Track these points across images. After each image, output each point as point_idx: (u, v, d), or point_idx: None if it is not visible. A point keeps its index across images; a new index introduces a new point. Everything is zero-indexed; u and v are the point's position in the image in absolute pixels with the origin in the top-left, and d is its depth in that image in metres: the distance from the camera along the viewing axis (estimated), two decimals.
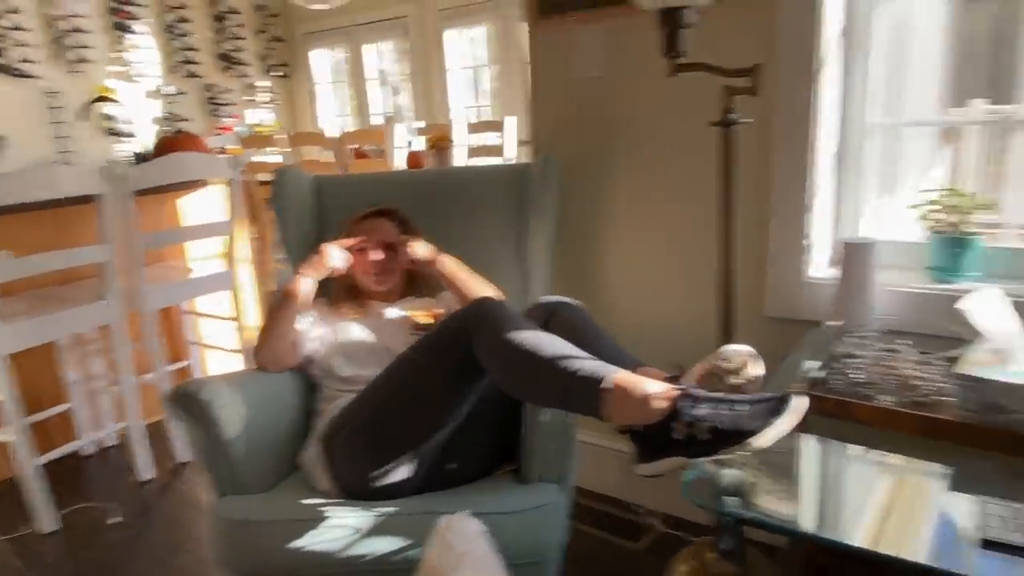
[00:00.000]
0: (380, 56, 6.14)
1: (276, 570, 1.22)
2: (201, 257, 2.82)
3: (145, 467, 2.31)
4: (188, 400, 1.34)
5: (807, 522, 0.99)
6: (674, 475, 1.05)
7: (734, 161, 1.32)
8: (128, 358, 2.25)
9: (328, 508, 1.27)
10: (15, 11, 4.20)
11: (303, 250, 1.67)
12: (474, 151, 4.75)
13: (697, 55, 1.30)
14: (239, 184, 2.52)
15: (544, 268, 1.71)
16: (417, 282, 1.67)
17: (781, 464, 1.09)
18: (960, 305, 1.10)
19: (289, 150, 3.42)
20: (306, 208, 1.79)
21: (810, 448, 1.12)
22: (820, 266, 1.58)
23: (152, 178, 2.27)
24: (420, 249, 1.56)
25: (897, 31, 2.45)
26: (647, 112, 1.71)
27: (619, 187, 1.80)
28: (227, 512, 1.29)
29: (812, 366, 1.27)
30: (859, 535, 0.90)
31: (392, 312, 1.60)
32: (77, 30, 4.51)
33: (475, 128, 5.07)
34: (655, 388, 1.05)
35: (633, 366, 1.25)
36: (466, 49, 6.00)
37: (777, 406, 0.98)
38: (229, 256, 2.52)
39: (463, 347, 1.23)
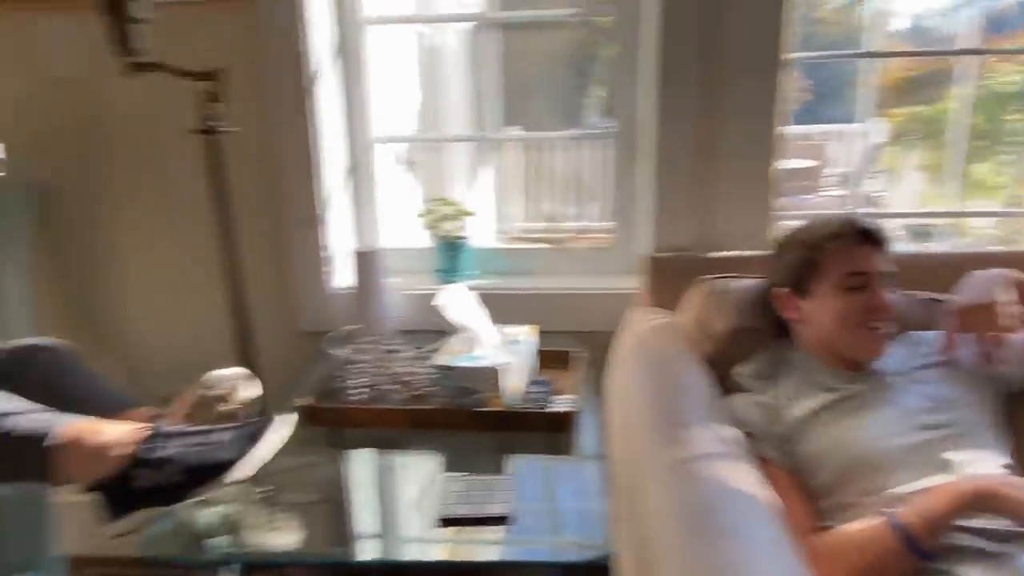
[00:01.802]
0: None
1: None
2: None
3: None
4: None
5: (308, 545, 0.95)
6: None
7: (223, 172, 1.24)
8: None
9: None
10: None
11: None
12: None
13: (181, 58, 1.18)
14: None
15: (20, 305, 1.39)
16: None
17: (290, 486, 1.05)
18: (436, 301, 1.21)
19: None
20: None
21: (311, 464, 1.10)
22: (345, 276, 1.61)
23: None
24: None
25: (431, 56, 2.72)
26: (135, 117, 1.51)
27: (120, 204, 1.57)
28: None
29: (325, 376, 1.27)
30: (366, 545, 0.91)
31: None
32: None
33: None
34: (115, 434, 0.90)
35: (122, 409, 1.07)
36: None
37: (258, 430, 0.93)
38: None
39: None
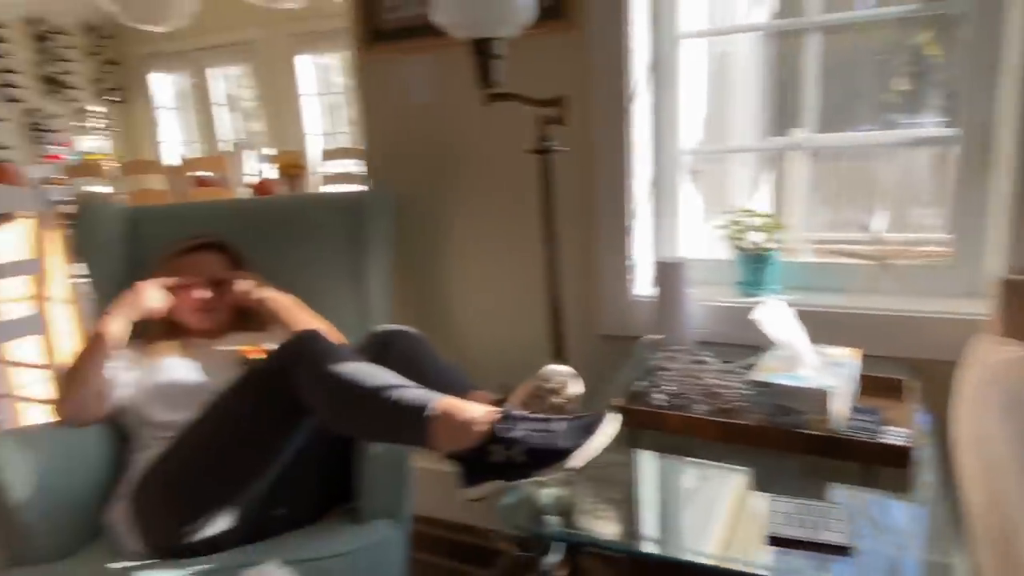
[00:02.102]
0: (228, 81, 5.88)
1: None
2: (11, 299, 2.52)
3: None
4: None
5: (625, 536, 1.02)
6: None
7: (553, 188, 1.36)
8: None
9: (137, 571, 1.16)
10: None
11: (113, 289, 1.53)
12: (331, 178, 4.65)
13: (517, 85, 1.34)
14: (51, 218, 2.29)
15: (382, 297, 1.68)
16: (247, 317, 1.59)
17: (603, 480, 1.12)
18: (753, 316, 1.20)
19: (121, 180, 3.18)
20: (116, 243, 1.65)
21: (628, 462, 1.16)
22: (644, 284, 1.66)
23: None
24: (246, 285, 1.49)
25: (720, 63, 2.67)
26: (476, 139, 1.74)
27: (454, 212, 1.82)
28: None
29: (632, 380, 1.33)
30: (677, 542, 0.95)
31: (220, 347, 1.50)
32: None
33: (331, 155, 4.97)
34: (477, 412, 1.05)
35: (466, 391, 1.24)
36: (323, 75, 5.91)
37: (591, 425, 1.01)
38: (39, 297, 2.28)
39: (282, 384, 1.17)
